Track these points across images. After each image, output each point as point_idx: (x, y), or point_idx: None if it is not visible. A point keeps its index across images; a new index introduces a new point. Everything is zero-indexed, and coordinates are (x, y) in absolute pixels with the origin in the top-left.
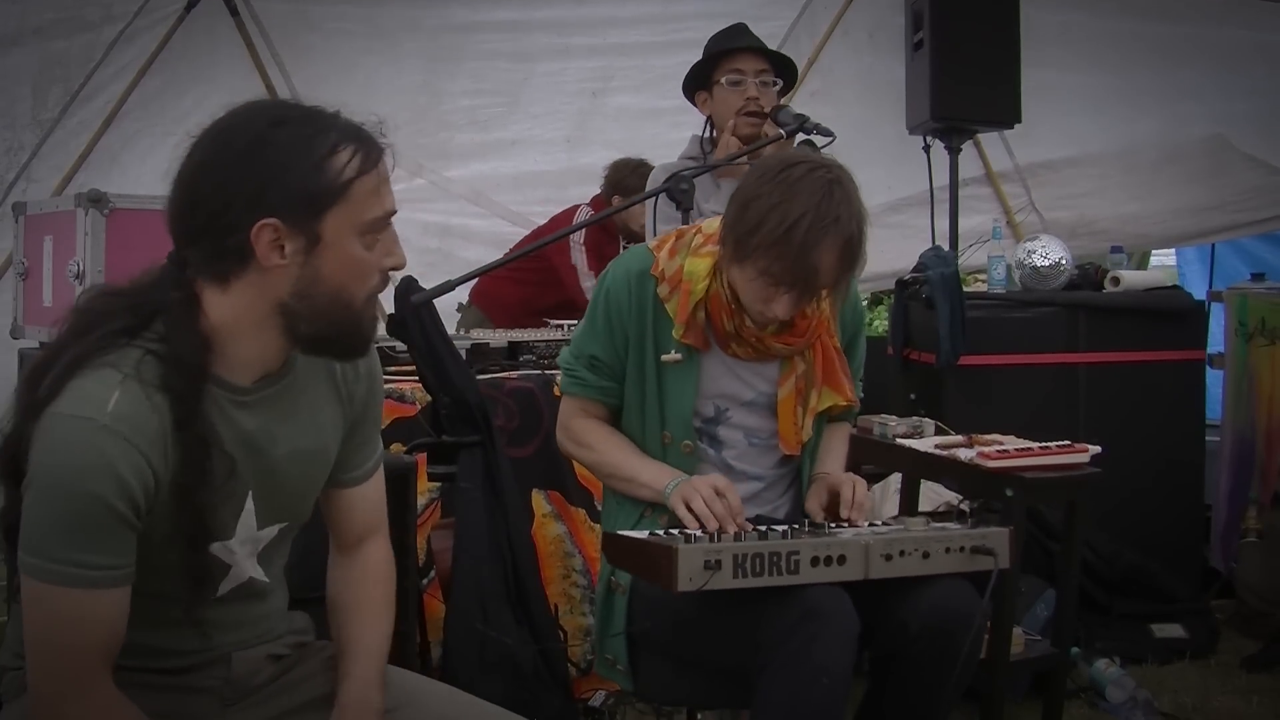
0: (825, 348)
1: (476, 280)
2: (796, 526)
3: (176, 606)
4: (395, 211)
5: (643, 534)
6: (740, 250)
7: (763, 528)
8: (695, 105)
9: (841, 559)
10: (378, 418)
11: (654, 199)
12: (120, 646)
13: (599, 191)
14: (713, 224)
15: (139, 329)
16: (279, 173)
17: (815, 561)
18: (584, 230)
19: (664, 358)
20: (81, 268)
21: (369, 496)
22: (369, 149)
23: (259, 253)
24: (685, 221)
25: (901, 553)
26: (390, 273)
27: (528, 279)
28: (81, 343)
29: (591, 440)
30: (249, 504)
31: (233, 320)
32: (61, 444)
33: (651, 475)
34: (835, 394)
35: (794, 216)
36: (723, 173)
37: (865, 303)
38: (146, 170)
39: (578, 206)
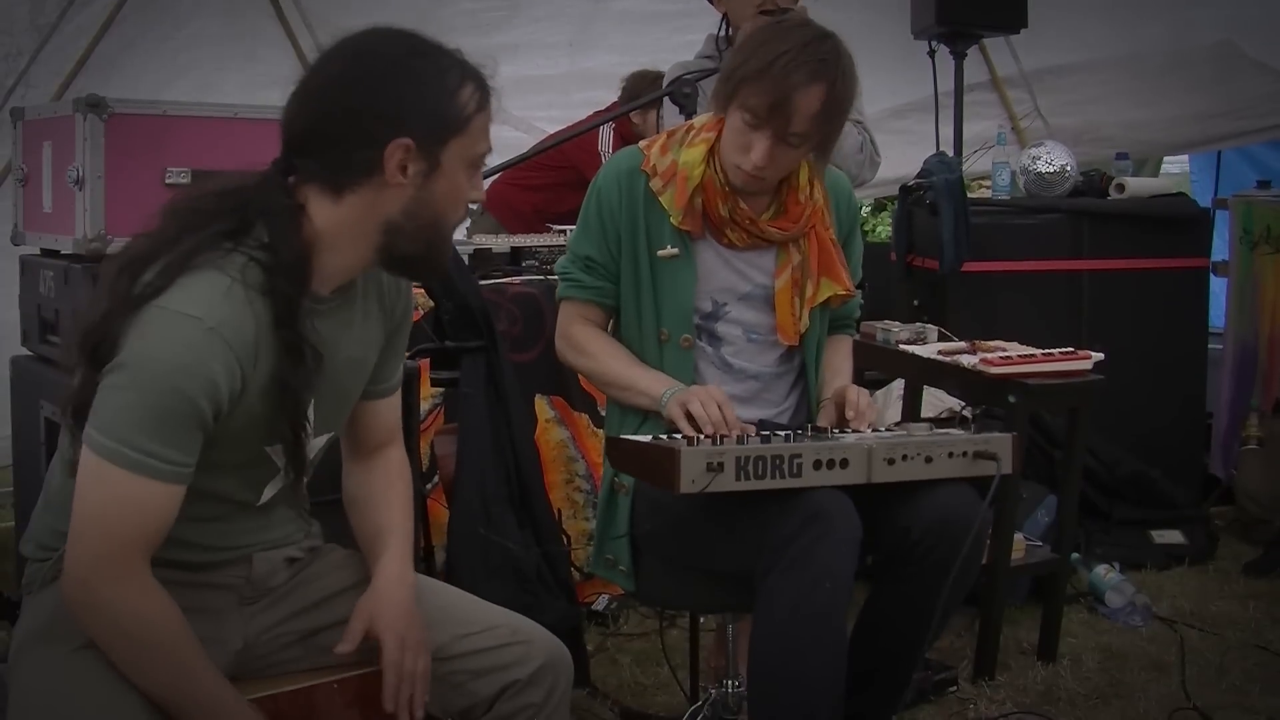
0: (820, 238)
1: (489, 186)
2: (799, 431)
3: (220, 504)
4: (491, 150)
5: (646, 438)
6: (726, 88)
7: (765, 432)
8: (711, 2)
9: (844, 462)
10: (407, 333)
11: (663, 102)
12: (162, 541)
13: (615, 100)
14: (703, 118)
15: (243, 232)
16: (419, 98)
17: (818, 465)
18: (612, 141)
19: (660, 252)
20: (81, 173)
21: (391, 407)
22: (485, 88)
23: (387, 169)
24: None
25: (904, 457)
26: (473, 204)
27: (544, 184)
28: (189, 240)
29: (590, 348)
30: (311, 411)
31: (336, 230)
32: (165, 339)
33: (648, 384)
34: (834, 283)
35: (779, 50)
36: None
37: (869, 208)
38: (146, 75)
39: (596, 113)
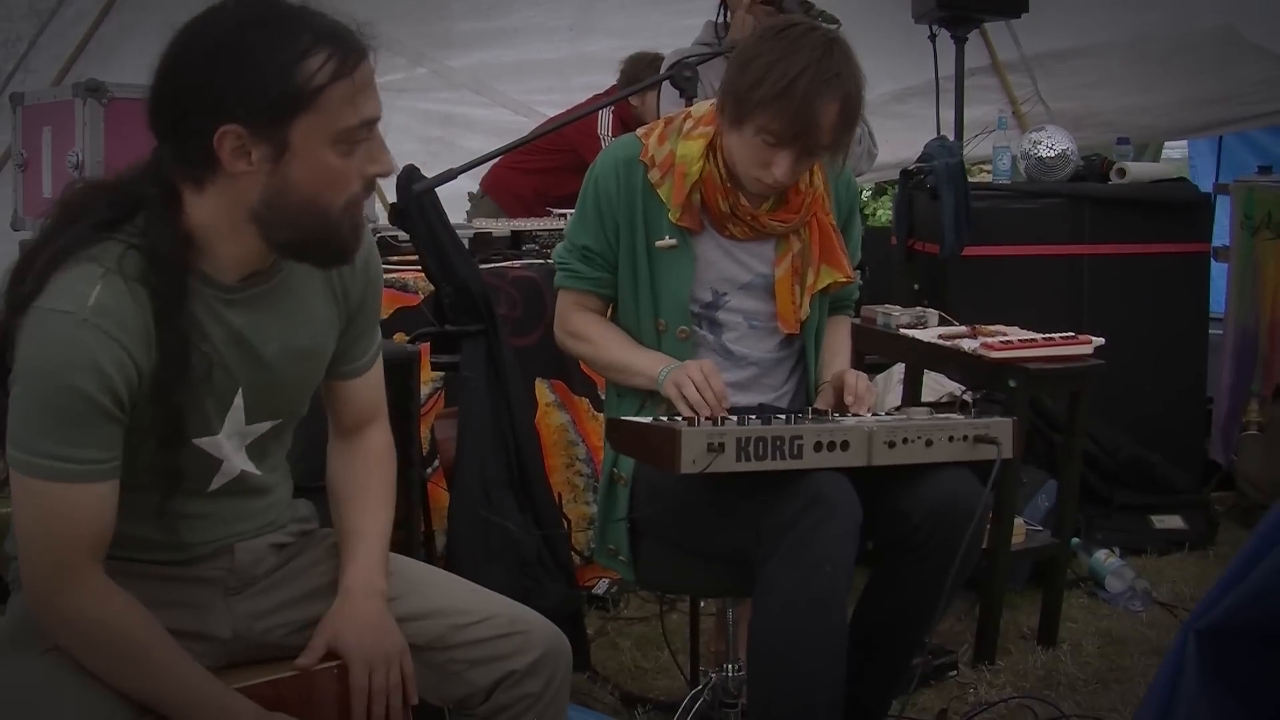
0: (821, 224)
1: (489, 170)
2: (800, 413)
3: (174, 500)
4: (377, 118)
5: (646, 419)
6: (740, 109)
7: (766, 414)
8: None
9: (845, 444)
10: (376, 312)
11: (662, 87)
12: (109, 539)
13: (614, 84)
14: (702, 107)
15: (121, 222)
16: (243, 78)
17: (818, 446)
18: (611, 125)
19: (658, 243)
20: (80, 158)
21: (367, 387)
22: (346, 53)
23: (223, 159)
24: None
25: (905, 440)
26: (377, 178)
27: (545, 167)
28: (64, 236)
29: (588, 334)
30: (238, 400)
31: (210, 222)
32: (44, 338)
33: (646, 364)
34: (834, 270)
35: (795, 71)
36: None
37: (870, 192)
38: (145, 60)
39: (596, 97)
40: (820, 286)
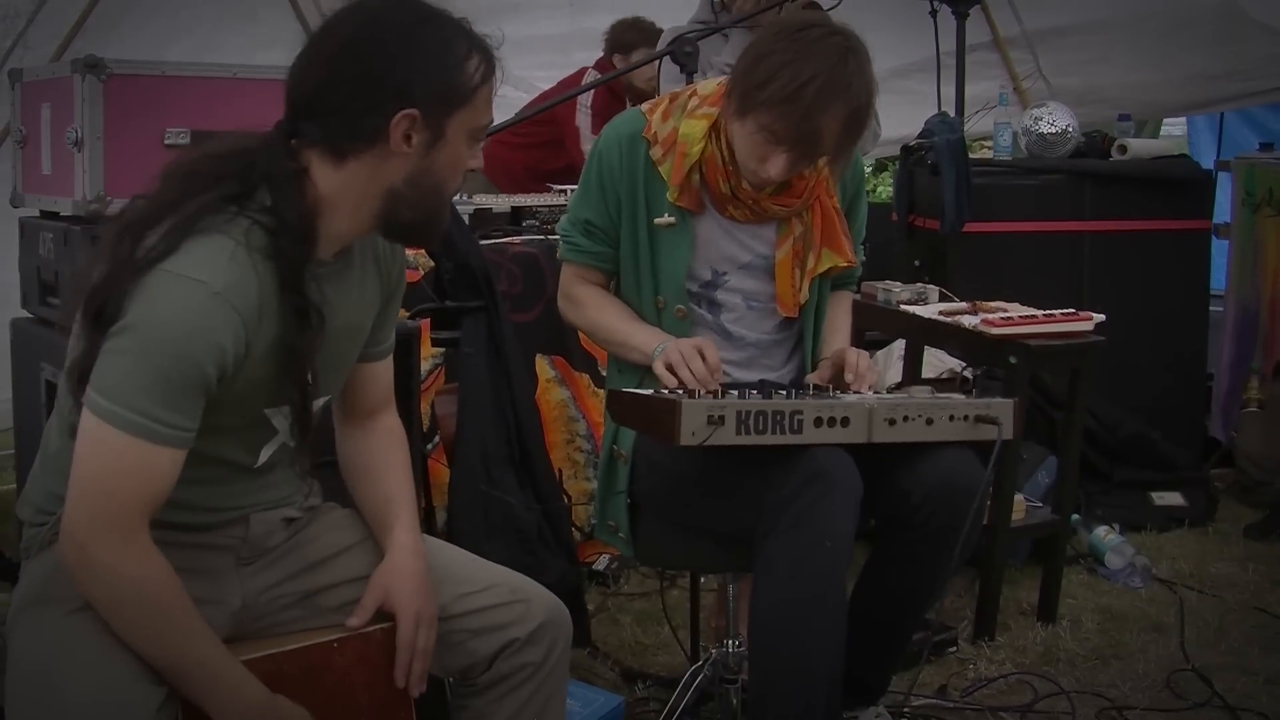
0: (825, 208)
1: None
2: (801, 389)
3: (218, 466)
4: (493, 121)
5: (646, 391)
6: (745, 103)
7: (766, 389)
8: None
9: (845, 420)
10: (402, 295)
11: (662, 62)
12: (162, 504)
13: (602, 55)
14: (708, 85)
15: (246, 196)
16: (427, 68)
17: (819, 422)
18: (592, 93)
19: (656, 221)
20: (80, 134)
21: (386, 371)
22: (490, 60)
23: (392, 139)
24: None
25: (905, 418)
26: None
27: (533, 143)
28: (191, 204)
29: (588, 306)
30: (311, 376)
31: (338, 195)
32: (172, 303)
33: (642, 340)
34: (835, 255)
35: (805, 76)
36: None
37: (870, 169)
38: (145, 36)
39: (584, 70)
40: (821, 270)
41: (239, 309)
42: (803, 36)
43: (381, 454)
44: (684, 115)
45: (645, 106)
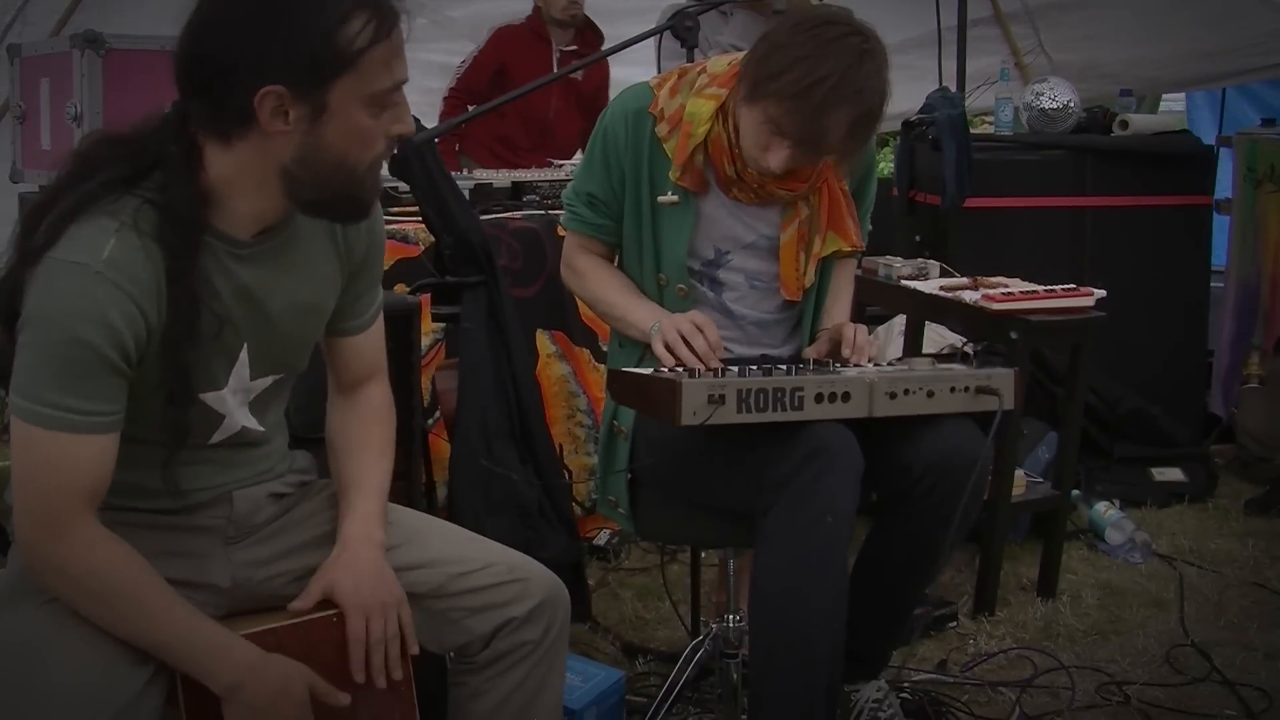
0: (832, 191)
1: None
2: (801, 365)
3: (178, 454)
4: (406, 80)
5: (646, 370)
6: (755, 91)
7: (767, 365)
8: None
9: (846, 396)
10: (378, 270)
11: (662, 38)
12: (104, 490)
13: None
14: (719, 63)
15: (138, 178)
16: (287, 39)
17: (819, 398)
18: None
19: (660, 199)
20: (79, 109)
21: (368, 343)
22: (383, 17)
23: (261, 118)
24: (690, 60)
25: (906, 391)
26: (399, 138)
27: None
28: (81, 189)
29: (590, 277)
30: (243, 355)
31: (233, 178)
32: (55, 289)
33: (640, 315)
34: (839, 239)
35: (818, 75)
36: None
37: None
38: (144, 11)
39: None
40: (825, 254)
41: (124, 286)
42: (821, 33)
43: (355, 431)
44: (692, 93)
45: (654, 81)
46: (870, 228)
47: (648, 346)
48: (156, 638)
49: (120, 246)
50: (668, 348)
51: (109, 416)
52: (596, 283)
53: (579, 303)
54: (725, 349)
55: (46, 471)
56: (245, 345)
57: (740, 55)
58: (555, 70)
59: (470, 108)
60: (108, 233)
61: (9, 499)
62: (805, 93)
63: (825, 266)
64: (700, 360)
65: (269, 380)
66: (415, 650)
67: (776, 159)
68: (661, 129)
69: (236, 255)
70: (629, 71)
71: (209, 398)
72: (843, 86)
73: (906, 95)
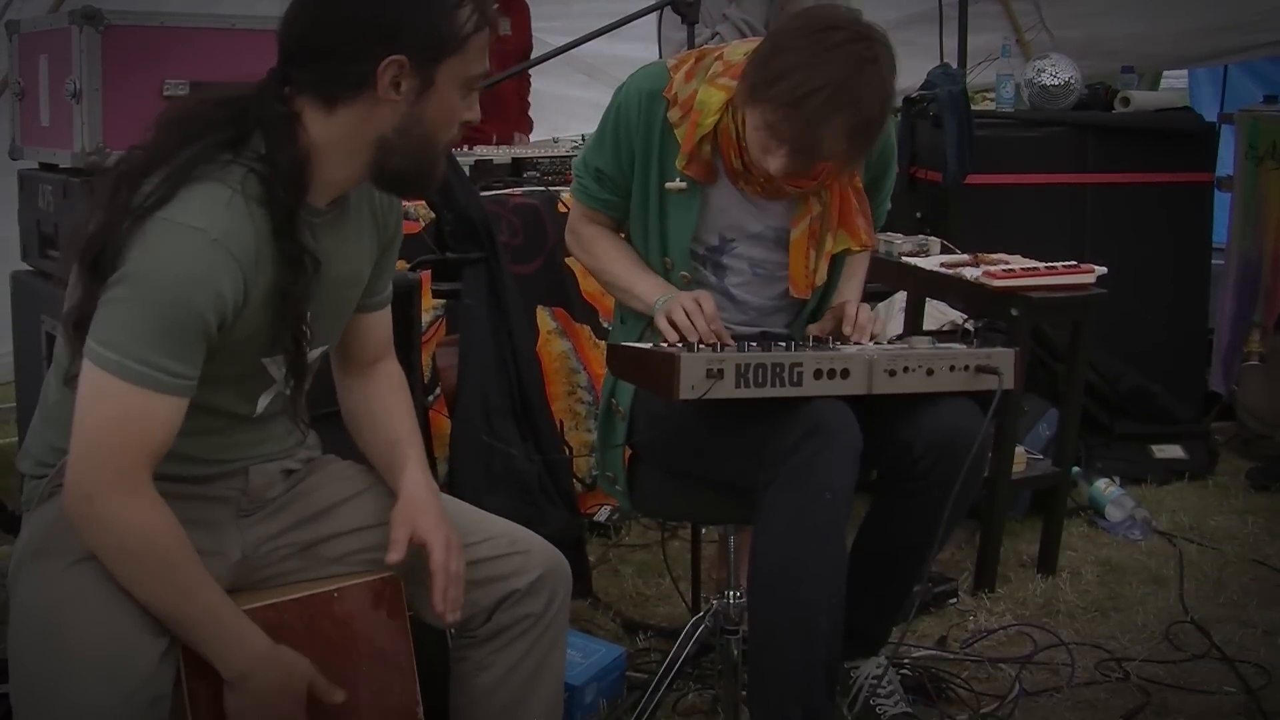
0: (843, 188)
1: None
2: (801, 341)
3: (216, 417)
4: (488, 71)
5: (646, 345)
6: (754, 93)
7: (766, 341)
8: None
9: (845, 372)
10: (399, 245)
11: (663, 12)
12: (164, 454)
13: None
14: (736, 51)
15: (241, 143)
16: (416, 14)
17: (818, 374)
18: None
19: (667, 185)
20: (78, 86)
21: (385, 319)
22: (486, 7)
23: (379, 86)
24: (691, 37)
25: (905, 369)
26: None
27: None
28: (187, 152)
29: (595, 247)
30: (307, 324)
31: (330, 143)
32: (171, 251)
33: (644, 289)
34: (849, 238)
35: (813, 85)
36: None
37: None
38: None
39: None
40: (835, 252)
41: (237, 256)
42: (823, 40)
43: (384, 399)
44: (705, 80)
45: (671, 63)
46: (890, 206)
47: (649, 323)
48: (183, 612)
49: (233, 214)
50: (672, 325)
51: (190, 380)
52: (602, 253)
53: (579, 279)
54: (726, 328)
55: (123, 426)
56: (311, 313)
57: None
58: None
59: None
60: (222, 199)
61: (24, 468)
62: (799, 102)
63: (834, 270)
64: (702, 337)
65: (318, 352)
66: (461, 597)
67: (775, 163)
68: (674, 114)
69: (311, 223)
70: (628, 48)
71: (269, 362)
72: (839, 97)
73: (908, 71)
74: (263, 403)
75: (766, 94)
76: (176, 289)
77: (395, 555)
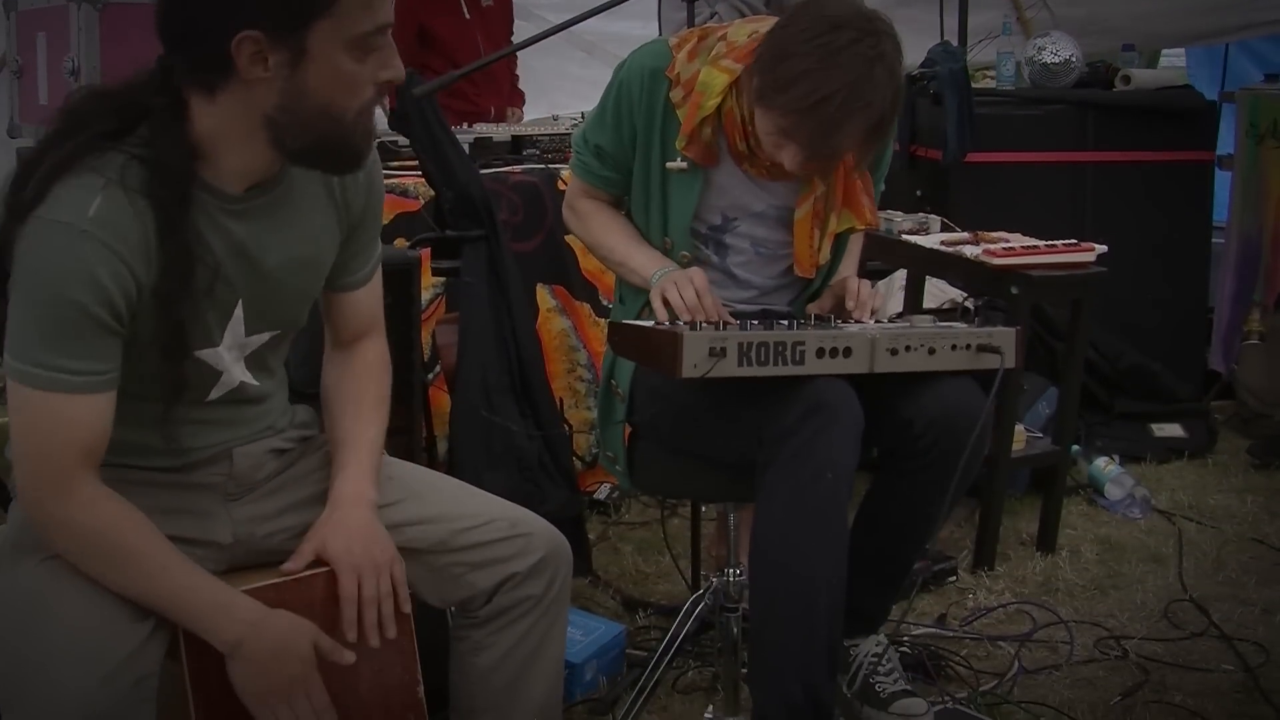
0: (847, 167)
1: None
2: (803, 319)
3: (176, 408)
4: (390, 24)
5: (647, 323)
6: (764, 96)
7: (768, 319)
8: None
9: (847, 351)
10: (377, 225)
11: None
12: (103, 448)
13: None
14: (739, 32)
15: (124, 133)
16: None
17: (820, 353)
18: None
19: (669, 165)
20: (76, 64)
21: (366, 298)
22: None
23: (240, 65)
24: (691, 16)
25: (907, 347)
26: (389, 84)
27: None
28: (66, 146)
29: (592, 221)
30: (238, 311)
31: (220, 130)
32: (42, 248)
33: (641, 262)
34: (853, 217)
35: (826, 91)
36: None
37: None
38: None
39: None
40: (839, 230)
41: (112, 244)
42: (829, 42)
43: (349, 387)
44: (708, 61)
45: (673, 41)
46: (884, 187)
47: (649, 299)
48: (157, 595)
49: (107, 204)
50: (664, 302)
51: (102, 375)
52: (600, 227)
53: (579, 257)
54: (726, 306)
55: (42, 432)
56: (240, 301)
57: (761, 28)
58: (467, 15)
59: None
60: (94, 190)
61: (9, 454)
62: (813, 110)
63: (838, 249)
64: (690, 311)
65: (266, 336)
66: (407, 609)
67: (789, 160)
68: (676, 94)
69: (228, 210)
70: (627, 25)
71: (205, 354)
72: (852, 101)
73: (908, 49)
74: (215, 392)
75: (777, 101)
76: (54, 287)
77: (290, 565)
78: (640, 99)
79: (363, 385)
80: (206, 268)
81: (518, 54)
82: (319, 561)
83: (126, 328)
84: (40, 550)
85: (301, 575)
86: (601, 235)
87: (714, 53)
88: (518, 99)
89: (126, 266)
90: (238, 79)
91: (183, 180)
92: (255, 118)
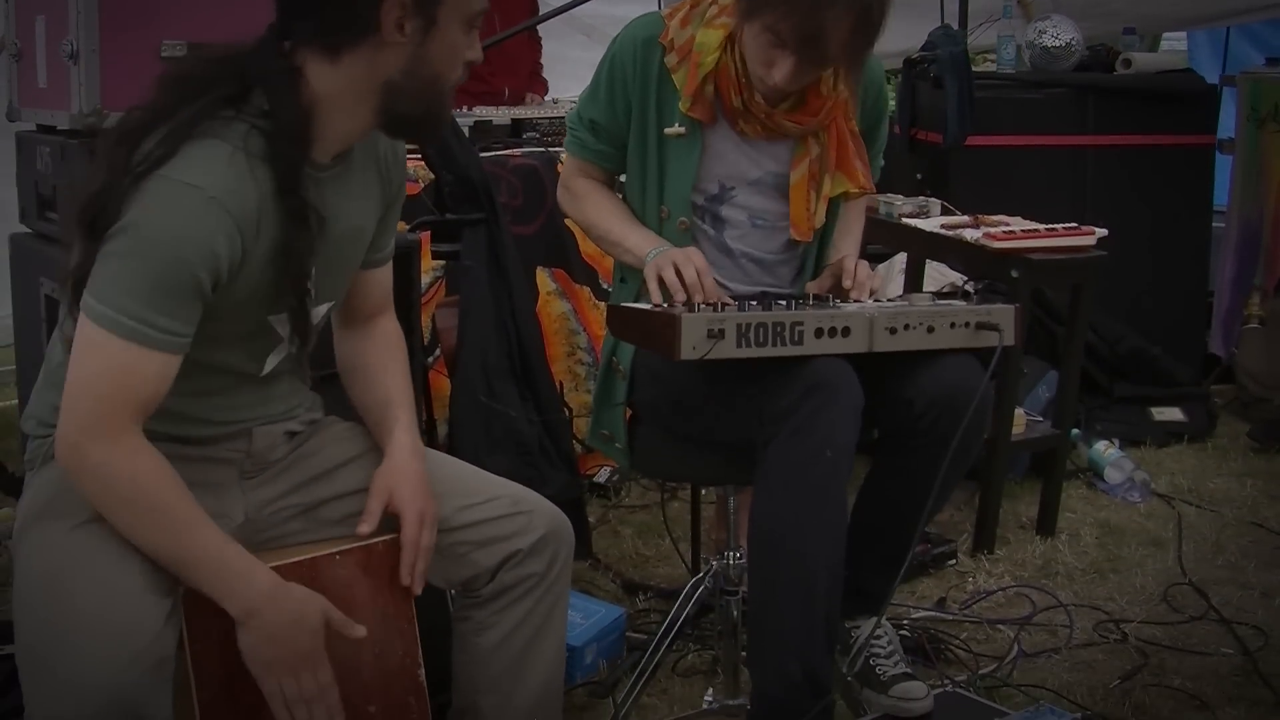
0: (840, 130)
1: None
2: (801, 299)
3: (223, 376)
4: (488, 8)
5: (646, 305)
6: (752, 3)
7: (767, 300)
8: None
9: (846, 330)
10: (402, 202)
11: None
12: (155, 407)
13: None
14: None
15: (242, 99)
16: None
17: (819, 333)
18: None
19: (666, 130)
20: (75, 47)
21: (385, 277)
22: None
23: (384, 27)
24: None
25: (906, 326)
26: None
27: None
28: (188, 109)
29: (587, 201)
30: (311, 280)
31: (335, 93)
32: (167, 208)
33: (636, 242)
34: (847, 179)
35: None
36: None
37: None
38: None
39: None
40: (834, 194)
41: (234, 214)
42: None
43: (379, 355)
44: (702, 24)
45: (665, 10)
46: (883, 162)
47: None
48: (182, 552)
49: (233, 172)
50: (660, 282)
51: (182, 338)
52: (594, 207)
53: (579, 241)
54: (724, 287)
55: (109, 378)
56: (314, 270)
57: None
58: None
59: None
60: (222, 156)
61: (27, 428)
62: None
63: (832, 207)
64: (688, 292)
65: (324, 308)
66: (419, 590)
67: (781, 72)
68: (671, 60)
69: (315, 178)
70: (628, 8)
71: (276, 320)
72: None
73: (909, 32)
74: (271, 362)
75: (763, 5)
76: (171, 247)
77: (366, 526)
78: (634, 69)
79: (393, 353)
80: (321, 224)
81: (542, 43)
82: (325, 543)
83: (215, 296)
84: (71, 516)
85: (302, 559)
86: (596, 216)
87: (707, 15)
88: (539, 86)
89: (240, 234)
90: (372, 41)
91: (303, 142)
92: (376, 81)
